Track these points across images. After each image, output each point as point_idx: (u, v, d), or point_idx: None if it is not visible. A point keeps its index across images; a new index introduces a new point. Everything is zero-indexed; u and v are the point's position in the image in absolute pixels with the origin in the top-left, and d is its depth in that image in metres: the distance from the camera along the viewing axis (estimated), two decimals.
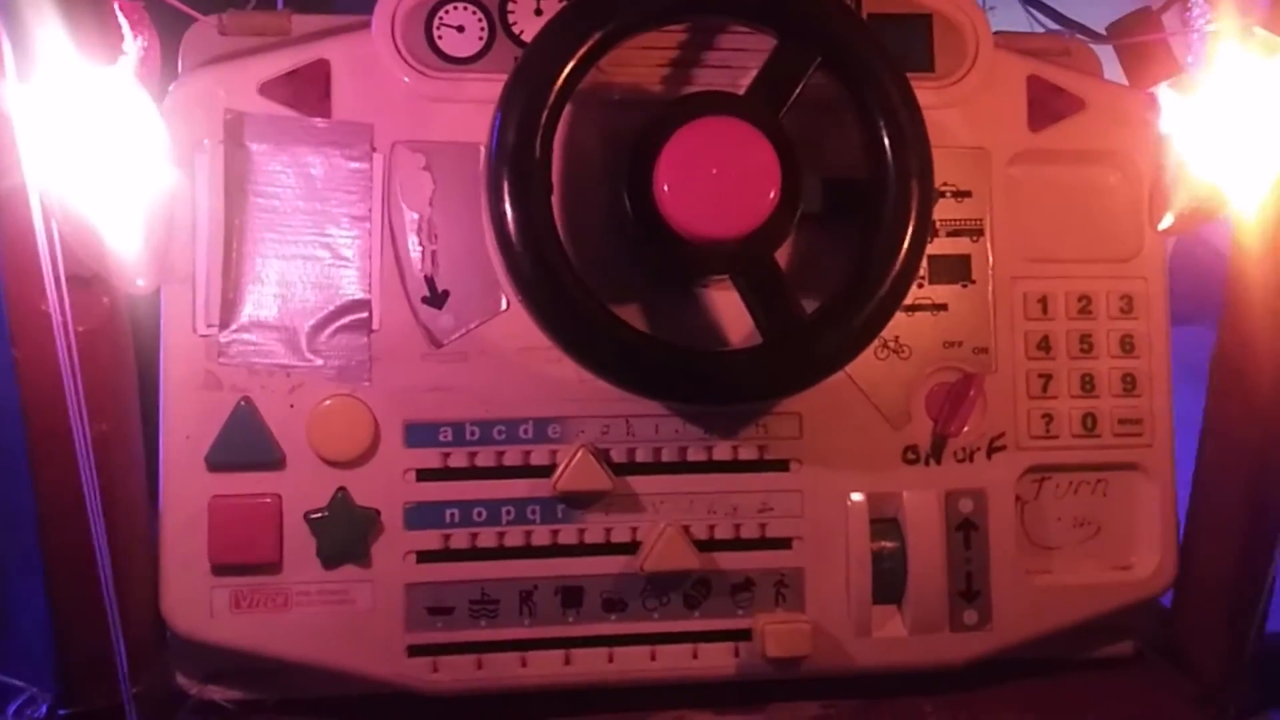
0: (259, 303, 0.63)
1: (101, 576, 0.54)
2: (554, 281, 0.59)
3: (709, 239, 0.60)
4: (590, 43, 0.59)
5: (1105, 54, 0.74)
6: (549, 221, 0.59)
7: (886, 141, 0.62)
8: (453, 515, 0.65)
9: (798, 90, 0.62)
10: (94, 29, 0.48)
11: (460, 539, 0.65)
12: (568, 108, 0.59)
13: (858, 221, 0.62)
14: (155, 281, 0.60)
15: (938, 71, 0.69)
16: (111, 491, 0.57)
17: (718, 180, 0.60)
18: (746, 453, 0.67)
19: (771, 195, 0.60)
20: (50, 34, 0.45)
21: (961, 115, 0.69)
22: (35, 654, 0.64)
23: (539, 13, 0.66)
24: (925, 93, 0.64)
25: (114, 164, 0.53)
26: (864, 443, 0.68)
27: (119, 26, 0.50)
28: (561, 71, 0.59)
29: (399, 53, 0.64)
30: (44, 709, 0.61)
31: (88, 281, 0.55)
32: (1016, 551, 0.69)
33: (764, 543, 0.67)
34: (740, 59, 0.66)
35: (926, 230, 0.62)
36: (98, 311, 0.54)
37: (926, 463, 0.69)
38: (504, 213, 0.59)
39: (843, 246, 0.64)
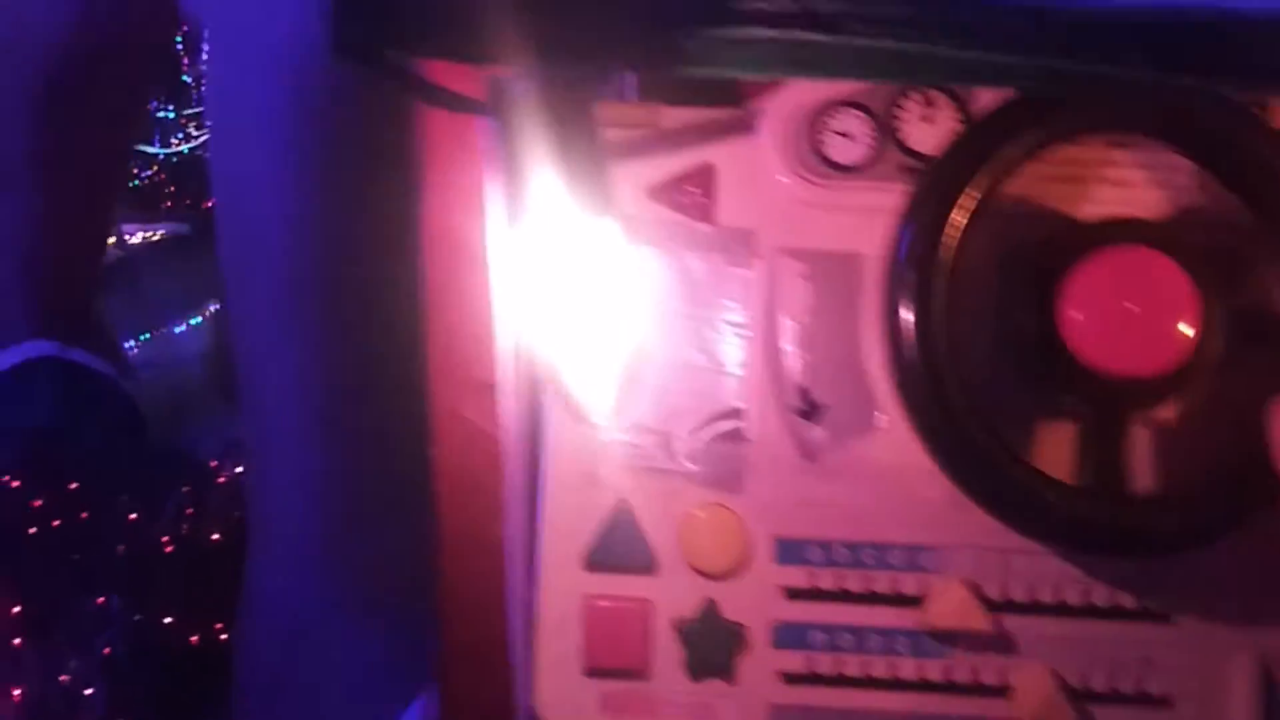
0: (639, 406, 0.64)
1: (519, 683, 0.55)
2: (947, 407, 0.58)
3: (1115, 374, 0.57)
4: (1002, 160, 0.58)
5: None
6: (946, 343, 0.57)
7: None
8: (818, 638, 0.63)
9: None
10: (595, 185, 0.49)
11: (825, 663, 0.63)
12: None
13: (1265, 357, 0.58)
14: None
15: None
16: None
17: (1131, 314, 0.57)
18: (1128, 601, 0.63)
19: (1190, 335, 0.57)
20: (551, 187, 0.47)
21: None
22: None
23: (926, 120, 0.64)
24: None
25: (599, 311, 0.54)
26: (1257, 602, 0.63)
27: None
28: (968, 187, 0.58)
29: (786, 159, 0.64)
30: None
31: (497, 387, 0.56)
32: None
33: (1141, 699, 0.63)
34: (1146, 175, 0.63)
35: None
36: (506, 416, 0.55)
37: None
38: (899, 327, 0.58)
39: (1242, 380, 0.59)
